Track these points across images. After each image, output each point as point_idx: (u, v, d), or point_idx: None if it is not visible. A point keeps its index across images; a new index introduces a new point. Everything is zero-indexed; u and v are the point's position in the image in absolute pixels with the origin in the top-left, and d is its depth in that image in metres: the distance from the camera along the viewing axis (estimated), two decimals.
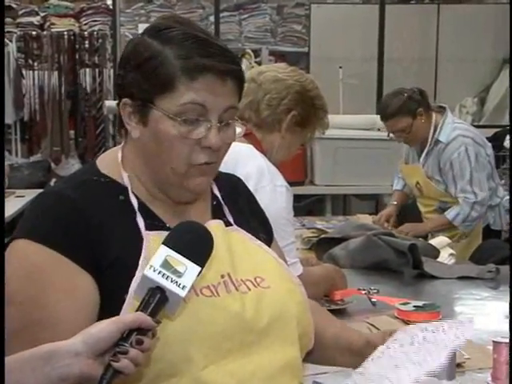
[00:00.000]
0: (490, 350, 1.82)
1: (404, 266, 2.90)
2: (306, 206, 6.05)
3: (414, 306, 2.36)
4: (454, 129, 3.77)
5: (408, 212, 4.12)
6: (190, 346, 1.32)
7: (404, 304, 2.38)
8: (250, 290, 1.42)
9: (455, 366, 1.83)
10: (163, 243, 1.26)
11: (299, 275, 2.07)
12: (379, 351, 1.35)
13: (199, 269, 1.25)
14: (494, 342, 1.83)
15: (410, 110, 3.73)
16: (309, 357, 1.56)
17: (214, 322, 1.35)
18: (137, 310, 1.22)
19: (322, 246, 3.30)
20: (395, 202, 4.14)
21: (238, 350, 1.36)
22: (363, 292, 2.59)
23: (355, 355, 1.49)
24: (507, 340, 1.83)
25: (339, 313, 2.31)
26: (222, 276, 1.41)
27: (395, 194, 4.18)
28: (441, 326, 1.35)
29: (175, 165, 1.38)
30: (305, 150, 5.51)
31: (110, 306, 1.31)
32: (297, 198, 5.89)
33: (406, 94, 3.74)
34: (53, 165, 6.65)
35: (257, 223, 1.57)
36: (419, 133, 3.78)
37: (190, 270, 1.24)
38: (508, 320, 2.30)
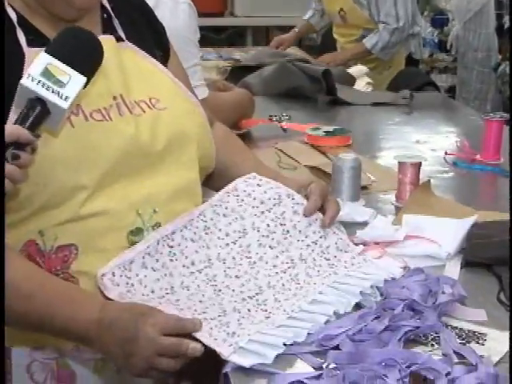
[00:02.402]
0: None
1: (318, 93, 2.84)
2: (226, 39, 5.88)
3: (325, 132, 2.32)
4: None
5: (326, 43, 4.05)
6: (80, 173, 1.24)
7: (314, 129, 2.33)
8: (144, 112, 1.34)
9: (360, 188, 1.82)
10: (44, 51, 1.15)
11: (204, 98, 1.99)
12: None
13: (84, 79, 1.16)
14: (399, 162, 1.81)
15: None
16: (213, 183, 1.51)
17: (106, 146, 1.27)
18: (15, 123, 1.12)
19: (235, 74, 3.21)
20: (297, 30, 4.12)
21: (132, 174, 1.29)
22: (274, 119, 2.54)
23: None
24: (412, 160, 1.81)
25: (247, 138, 2.25)
26: (114, 98, 1.31)
27: (300, 23, 4.14)
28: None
29: None
30: None
31: None
32: (216, 31, 5.79)
33: None
34: None
35: (152, 39, 1.45)
36: None
37: (73, 80, 1.15)
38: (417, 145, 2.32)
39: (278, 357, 1.11)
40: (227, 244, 1.29)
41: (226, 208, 1.35)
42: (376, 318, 1.20)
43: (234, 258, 1.28)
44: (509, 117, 2.14)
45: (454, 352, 1.13)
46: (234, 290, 1.22)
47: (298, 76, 2.88)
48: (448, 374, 1.05)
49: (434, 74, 5.93)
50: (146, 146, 1.31)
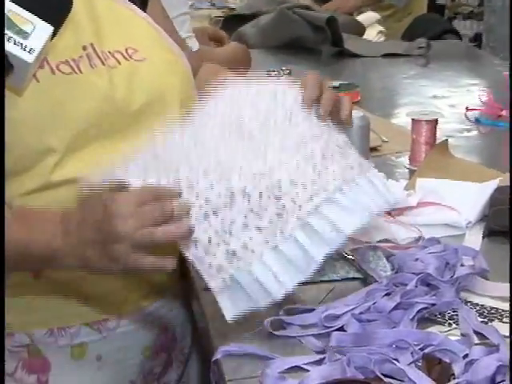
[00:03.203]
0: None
1: (321, 44, 2.83)
2: None
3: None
4: None
5: None
6: (48, 134, 1.23)
7: None
8: (120, 63, 1.32)
9: (368, 150, 1.81)
10: None
11: (195, 52, 1.97)
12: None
13: (51, 29, 1.15)
14: (413, 120, 1.81)
15: None
16: None
17: (76, 103, 1.25)
18: None
19: (229, 24, 3.20)
20: None
21: (107, 136, 1.28)
22: (272, 75, 2.53)
23: None
24: (428, 117, 1.80)
25: None
26: (84, 48, 1.30)
27: None
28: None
29: None
30: None
31: None
32: None
33: None
34: None
35: None
36: None
37: (39, 29, 1.14)
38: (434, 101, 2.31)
39: (274, 340, 1.12)
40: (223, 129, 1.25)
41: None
42: (386, 294, 1.20)
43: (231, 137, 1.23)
44: None
45: (474, 332, 1.12)
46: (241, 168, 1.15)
47: (299, 25, 2.87)
48: (466, 356, 1.05)
49: (457, 21, 5.90)
50: (122, 103, 1.29)
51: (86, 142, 1.26)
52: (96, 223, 1.10)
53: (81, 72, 1.27)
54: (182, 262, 1.45)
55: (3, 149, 1.10)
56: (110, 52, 1.32)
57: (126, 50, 1.34)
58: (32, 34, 1.13)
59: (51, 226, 1.15)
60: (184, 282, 1.45)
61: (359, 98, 2.29)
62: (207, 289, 1.12)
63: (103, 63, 1.30)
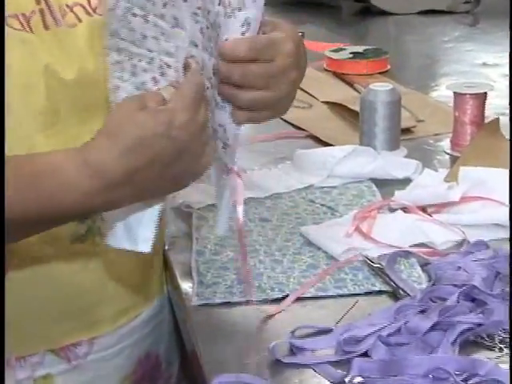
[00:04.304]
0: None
1: None
2: None
3: (352, 53, 2.31)
4: None
5: None
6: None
7: (337, 50, 2.34)
8: (80, 21, 1.32)
9: (399, 132, 1.82)
10: None
11: None
12: None
13: None
14: (455, 94, 1.80)
15: None
16: None
17: (29, 73, 1.26)
18: None
19: None
20: None
21: (68, 118, 1.29)
22: None
23: None
24: (474, 91, 1.80)
25: None
26: (37, 1, 1.30)
27: None
28: None
29: None
30: None
31: None
32: None
33: None
34: None
35: None
36: None
37: None
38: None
39: (281, 369, 1.12)
40: None
41: None
42: (420, 311, 1.20)
43: None
44: None
45: None
46: None
47: None
48: None
49: None
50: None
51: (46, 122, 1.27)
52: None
53: (31, 32, 1.27)
54: (167, 266, 1.46)
55: (3, 146, 1.11)
56: (68, 5, 1.31)
57: (89, 1, 1.33)
58: None
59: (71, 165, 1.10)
60: (169, 294, 1.46)
61: (388, 66, 2.30)
62: None
63: (58, 23, 1.30)
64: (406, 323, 1.18)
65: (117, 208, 1.13)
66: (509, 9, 2.79)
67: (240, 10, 1.16)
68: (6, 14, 1.26)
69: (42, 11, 1.30)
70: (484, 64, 2.36)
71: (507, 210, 1.49)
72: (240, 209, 1.21)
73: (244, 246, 1.25)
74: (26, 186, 1.11)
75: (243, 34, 1.16)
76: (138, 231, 1.16)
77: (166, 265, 1.46)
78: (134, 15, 1.21)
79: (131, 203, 1.13)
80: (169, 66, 1.18)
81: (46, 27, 1.29)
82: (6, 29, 1.25)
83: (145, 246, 1.15)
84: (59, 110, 1.28)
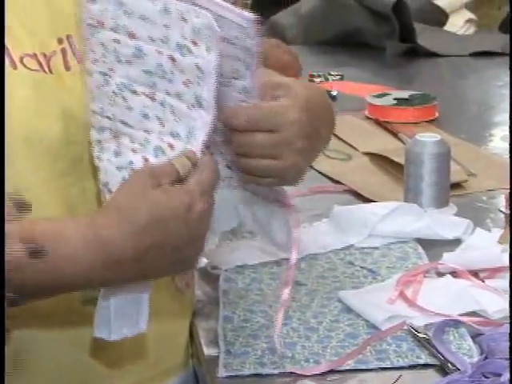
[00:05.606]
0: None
1: (386, 38, 2.86)
2: None
3: (396, 99, 2.33)
4: None
5: None
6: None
7: (380, 96, 2.35)
8: None
9: (449, 187, 1.82)
10: None
11: None
12: None
13: None
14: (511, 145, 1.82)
15: None
16: None
17: (46, 116, 1.29)
18: None
19: (260, 10, 3.23)
20: None
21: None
22: (318, 81, 2.55)
23: None
24: None
25: None
26: (60, 41, 1.33)
27: None
28: None
29: None
30: None
31: None
32: None
33: None
34: None
35: None
36: None
37: None
38: None
39: None
40: None
41: None
42: None
43: None
44: None
45: None
46: None
47: (354, 12, 2.90)
48: None
49: None
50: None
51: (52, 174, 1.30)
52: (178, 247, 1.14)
53: (51, 72, 1.31)
54: (191, 335, 1.47)
55: (3, 145, 1.13)
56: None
57: None
58: None
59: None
60: (195, 367, 1.47)
61: (437, 114, 2.31)
62: None
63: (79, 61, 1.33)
64: None
65: (117, 286, 1.17)
66: None
67: (236, 78, 1.20)
68: (21, 52, 1.30)
69: (63, 51, 1.33)
70: None
71: None
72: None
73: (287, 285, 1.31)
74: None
75: (242, 101, 1.21)
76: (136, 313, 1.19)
77: (191, 333, 1.47)
78: (135, 93, 1.25)
79: (134, 282, 1.16)
80: (172, 148, 1.20)
81: (67, 68, 1.33)
82: (20, 69, 1.29)
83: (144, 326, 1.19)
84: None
